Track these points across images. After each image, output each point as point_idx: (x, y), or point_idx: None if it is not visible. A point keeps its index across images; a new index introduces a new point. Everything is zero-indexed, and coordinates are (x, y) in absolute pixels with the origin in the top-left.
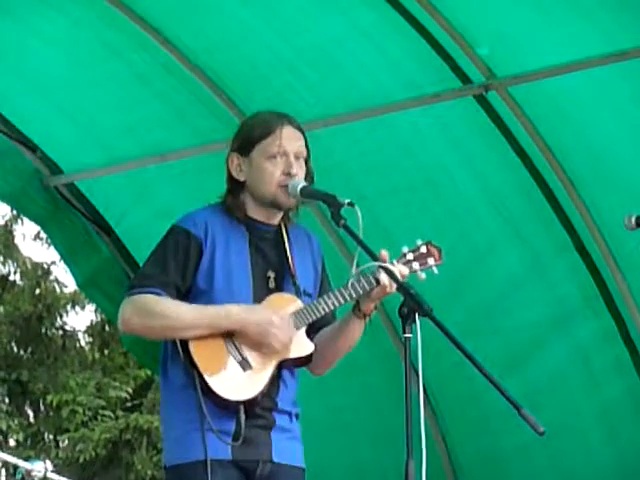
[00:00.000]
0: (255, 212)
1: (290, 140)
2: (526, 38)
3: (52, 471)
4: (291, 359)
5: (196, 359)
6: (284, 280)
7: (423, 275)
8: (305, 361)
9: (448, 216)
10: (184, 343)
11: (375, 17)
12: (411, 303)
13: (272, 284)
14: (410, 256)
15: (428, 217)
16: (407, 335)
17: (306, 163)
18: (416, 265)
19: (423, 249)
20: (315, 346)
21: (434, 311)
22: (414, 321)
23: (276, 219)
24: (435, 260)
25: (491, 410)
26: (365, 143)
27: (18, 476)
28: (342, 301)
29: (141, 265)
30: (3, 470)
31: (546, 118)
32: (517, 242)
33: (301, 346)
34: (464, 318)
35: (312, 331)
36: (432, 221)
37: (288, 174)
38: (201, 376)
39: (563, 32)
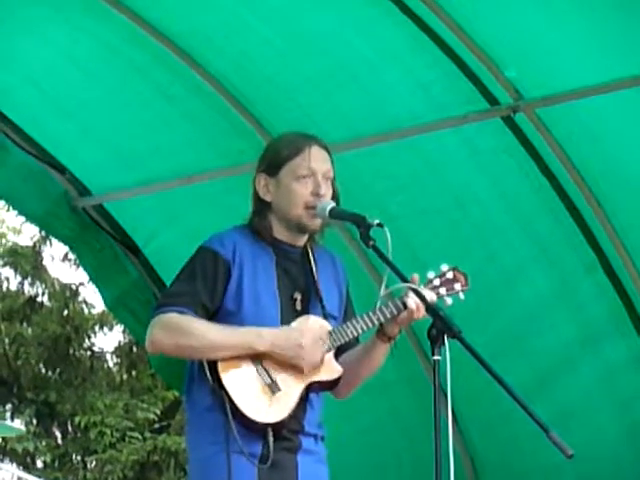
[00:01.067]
0: (281, 234)
1: (318, 161)
2: (554, 60)
3: None
4: (319, 382)
5: (225, 381)
6: (310, 302)
7: (449, 300)
8: (333, 384)
9: (476, 238)
10: (212, 364)
11: (403, 39)
12: (440, 325)
13: (299, 306)
14: (437, 282)
15: (456, 239)
16: (436, 357)
17: (332, 184)
18: (443, 290)
19: (449, 274)
20: None
21: (463, 333)
22: (443, 343)
23: (302, 241)
24: (462, 285)
25: (520, 432)
26: (393, 165)
27: None
28: (370, 325)
29: (172, 282)
30: None
31: (574, 140)
32: (545, 264)
33: (329, 369)
34: (493, 340)
35: (337, 354)
36: (460, 243)
37: (317, 194)
38: (230, 398)
39: (591, 54)
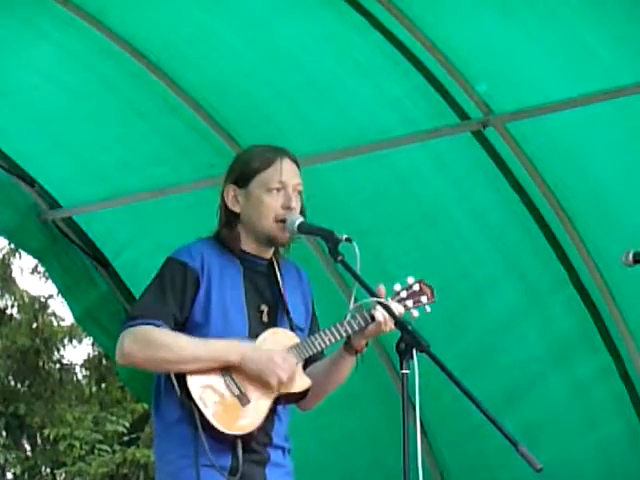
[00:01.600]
0: (248, 246)
1: (289, 174)
2: (524, 74)
3: None
4: (288, 394)
5: (194, 393)
6: (277, 314)
7: (416, 313)
8: (301, 396)
9: (446, 252)
10: (180, 377)
11: (373, 53)
12: (408, 339)
13: (265, 318)
14: (404, 294)
15: (426, 253)
16: (404, 371)
17: (300, 198)
18: (410, 303)
19: (416, 287)
20: None
21: (432, 347)
22: (412, 357)
23: (269, 253)
24: (428, 298)
25: (489, 445)
26: (363, 179)
27: None
28: (338, 337)
29: (141, 294)
30: None
31: (544, 154)
32: (515, 278)
33: (299, 382)
34: (462, 354)
35: (303, 366)
36: (430, 257)
37: (288, 208)
38: (199, 410)
39: (561, 68)
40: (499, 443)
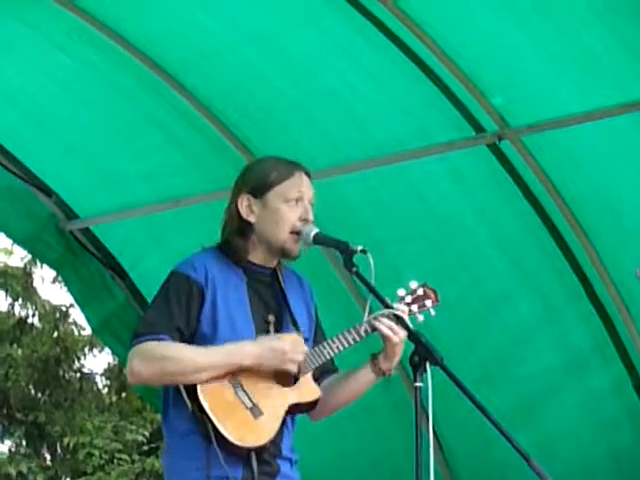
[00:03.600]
0: (256, 256)
1: (306, 186)
2: (540, 88)
3: None
4: (299, 404)
5: (205, 405)
6: (283, 324)
7: (421, 317)
8: (312, 406)
9: (461, 264)
10: (190, 389)
11: (389, 65)
12: (422, 351)
13: (272, 328)
14: (408, 299)
15: (441, 265)
16: (418, 384)
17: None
18: (414, 307)
19: (420, 291)
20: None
21: (446, 359)
22: (425, 370)
23: (274, 262)
24: (433, 302)
25: (503, 458)
26: (378, 191)
27: None
28: (346, 345)
29: (146, 310)
30: None
31: (559, 167)
32: (530, 290)
33: (309, 391)
34: (477, 366)
35: (315, 376)
36: (445, 269)
37: (305, 220)
38: (212, 423)
39: (577, 82)
40: (513, 455)
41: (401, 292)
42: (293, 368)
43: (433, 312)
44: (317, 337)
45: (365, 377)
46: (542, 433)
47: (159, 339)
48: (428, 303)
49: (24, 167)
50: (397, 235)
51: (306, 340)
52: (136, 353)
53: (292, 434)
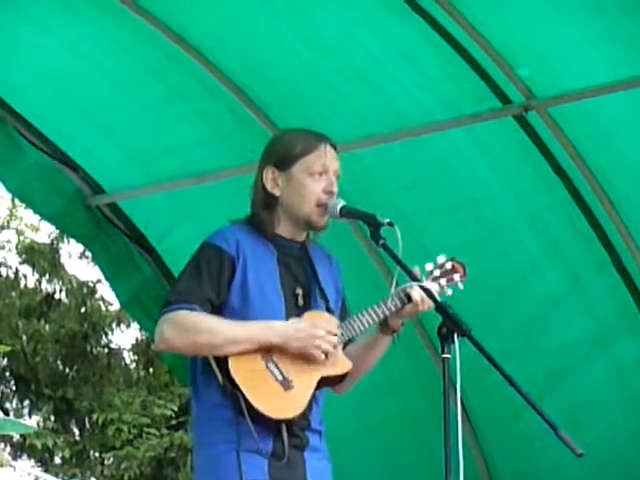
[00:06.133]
0: (284, 229)
1: (332, 158)
2: (566, 59)
3: None
4: (329, 377)
5: (236, 377)
6: (312, 297)
7: (449, 291)
8: (341, 379)
9: (488, 236)
10: (221, 361)
11: (415, 37)
12: (450, 323)
13: (301, 301)
14: (437, 273)
15: (468, 237)
16: (446, 355)
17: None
18: (443, 281)
19: (448, 265)
20: None
21: (474, 331)
22: (453, 341)
23: (302, 236)
24: (461, 276)
25: (531, 429)
26: (405, 163)
27: None
28: (376, 319)
29: (177, 279)
30: None
31: (586, 138)
32: (557, 261)
33: (340, 363)
34: (504, 337)
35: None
36: (472, 241)
37: (330, 192)
38: (243, 395)
39: (603, 53)
40: (542, 426)
41: (429, 266)
42: (318, 355)
43: (461, 286)
44: (342, 313)
45: (378, 341)
46: (570, 404)
47: (191, 309)
48: (456, 277)
49: (50, 143)
50: (423, 207)
51: (333, 313)
52: (167, 320)
53: (321, 407)
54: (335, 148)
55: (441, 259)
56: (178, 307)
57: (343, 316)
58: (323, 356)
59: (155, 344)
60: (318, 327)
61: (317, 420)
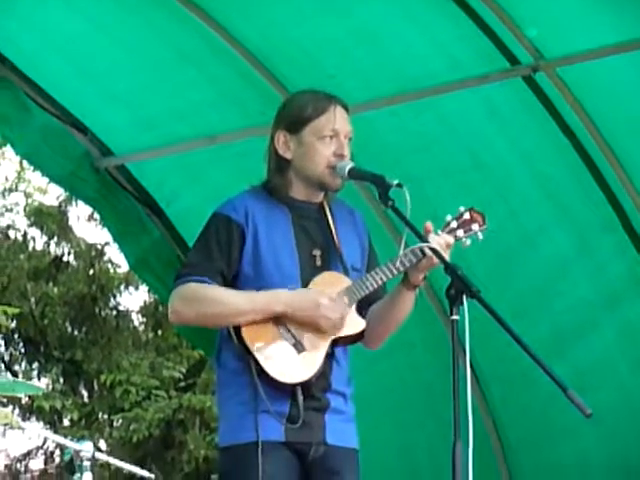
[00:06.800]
0: (298, 192)
1: (342, 121)
2: (575, 19)
3: (102, 451)
4: (343, 337)
5: (249, 344)
6: (330, 258)
7: (468, 242)
8: (357, 338)
9: (496, 197)
10: (236, 329)
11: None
12: (459, 285)
13: (319, 262)
14: (454, 224)
15: (476, 198)
16: (454, 317)
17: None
18: (460, 232)
19: (466, 215)
20: (368, 322)
21: (482, 292)
22: (462, 303)
23: (318, 197)
24: (480, 225)
25: (541, 390)
26: (413, 125)
27: (66, 456)
28: (390, 275)
29: (189, 252)
30: (58, 450)
31: (595, 99)
32: (566, 223)
33: (352, 323)
34: (513, 299)
35: (363, 307)
36: (480, 202)
37: (340, 155)
38: (256, 361)
39: (612, 13)
40: (551, 387)
41: (448, 218)
42: (325, 324)
43: (481, 236)
44: (369, 267)
45: (403, 296)
46: (579, 365)
47: (201, 281)
48: (475, 227)
49: (59, 106)
50: (431, 169)
51: (358, 271)
52: (178, 293)
53: (346, 368)
54: (347, 109)
55: (461, 209)
56: (187, 280)
57: (371, 269)
58: (328, 325)
59: (169, 317)
60: (323, 296)
61: (340, 381)
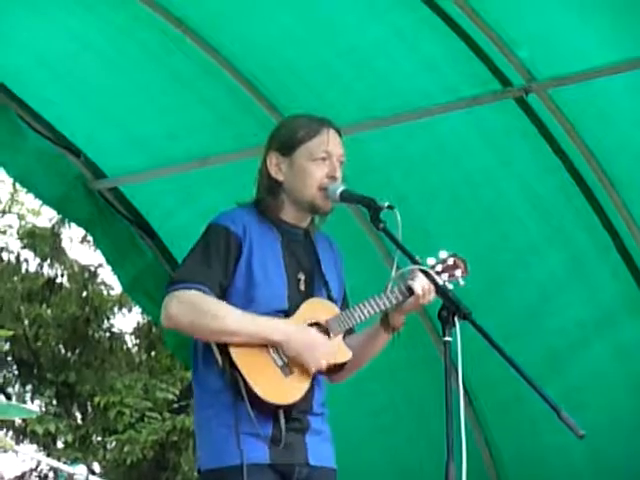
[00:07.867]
0: (288, 214)
1: (334, 144)
2: (566, 40)
3: (96, 474)
4: (329, 365)
5: (238, 362)
6: (314, 283)
7: (450, 286)
8: (341, 367)
9: (489, 218)
10: (222, 346)
11: (413, 20)
12: (450, 306)
13: (302, 286)
14: (439, 268)
15: (469, 220)
16: (447, 339)
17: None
18: (445, 277)
19: (450, 261)
20: None
21: (475, 313)
22: (454, 324)
23: (306, 222)
24: (462, 272)
25: (533, 411)
26: (405, 146)
27: (60, 479)
28: (377, 309)
29: (185, 258)
30: (51, 473)
31: (587, 120)
32: (558, 244)
33: (340, 352)
34: (506, 320)
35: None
36: (473, 224)
37: (332, 177)
38: (243, 379)
39: (604, 34)
40: (544, 408)
41: (431, 261)
42: (311, 365)
43: (462, 282)
44: (343, 303)
45: (378, 337)
46: (572, 387)
47: (201, 290)
48: (458, 273)
49: (52, 128)
50: (424, 191)
51: (335, 301)
52: (176, 298)
53: (324, 389)
54: (339, 133)
55: (443, 254)
56: (188, 286)
57: (344, 306)
58: (316, 370)
59: (161, 320)
60: (318, 341)
61: (319, 402)
